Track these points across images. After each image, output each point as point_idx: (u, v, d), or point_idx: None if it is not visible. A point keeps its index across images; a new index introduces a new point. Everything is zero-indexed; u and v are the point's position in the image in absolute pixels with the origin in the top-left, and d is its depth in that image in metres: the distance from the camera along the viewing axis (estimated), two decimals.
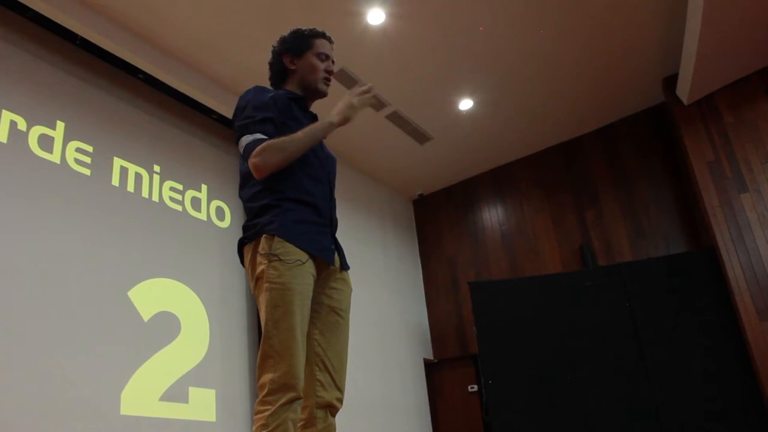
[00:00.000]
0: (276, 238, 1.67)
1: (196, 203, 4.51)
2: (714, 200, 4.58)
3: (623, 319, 4.71)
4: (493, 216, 6.45)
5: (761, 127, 4.53)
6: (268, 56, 2.03)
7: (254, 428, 1.55)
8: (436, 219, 6.89)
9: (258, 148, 1.70)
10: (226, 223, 4.70)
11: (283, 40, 2.00)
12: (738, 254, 4.38)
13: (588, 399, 4.59)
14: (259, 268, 1.67)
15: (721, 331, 4.41)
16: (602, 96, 5.48)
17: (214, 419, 3.99)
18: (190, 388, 3.89)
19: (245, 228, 1.80)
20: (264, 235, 1.69)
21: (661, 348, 4.54)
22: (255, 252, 1.71)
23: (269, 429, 1.51)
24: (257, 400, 1.58)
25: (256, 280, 1.70)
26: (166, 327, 3.91)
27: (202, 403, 3.95)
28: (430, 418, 6.03)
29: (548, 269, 5.78)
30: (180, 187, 4.42)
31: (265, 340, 1.62)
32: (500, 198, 6.45)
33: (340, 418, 1.78)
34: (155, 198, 4.18)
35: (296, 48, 1.97)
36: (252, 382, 4.39)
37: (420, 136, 5.86)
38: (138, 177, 4.11)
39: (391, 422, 5.41)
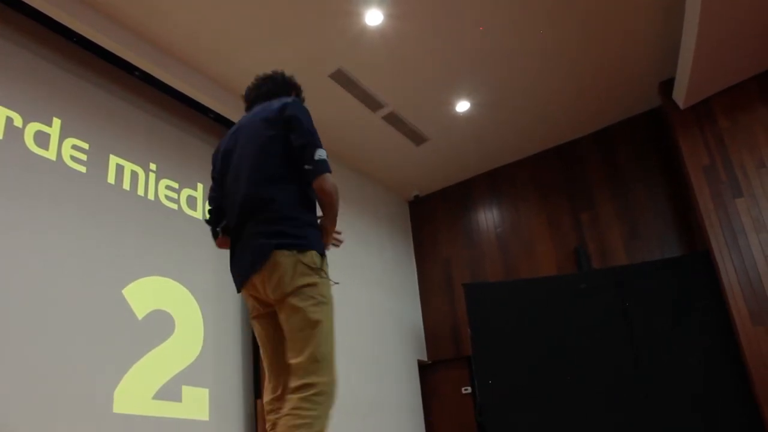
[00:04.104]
0: (324, 259, 1.86)
1: (191, 202, 4.50)
2: (709, 204, 4.60)
3: (618, 322, 4.72)
4: (488, 218, 6.45)
5: (757, 131, 4.54)
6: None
7: (293, 421, 1.59)
8: (432, 220, 6.89)
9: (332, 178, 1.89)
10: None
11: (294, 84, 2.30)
12: (732, 258, 4.39)
13: (582, 401, 4.60)
14: (308, 279, 1.78)
15: (716, 334, 4.43)
16: (599, 99, 5.49)
17: (207, 418, 3.98)
18: (184, 387, 3.89)
19: (283, 233, 1.81)
20: (314, 251, 1.82)
21: (655, 350, 4.54)
22: (299, 261, 1.78)
23: (314, 430, 1.61)
24: (299, 395, 1.64)
25: (296, 288, 1.77)
26: (161, 325, 3.90)
27: (195, 402, 3.94)
28: (423, 420, 6.02)
29: (543, 271, 5.78)
30: (176, 185, 4.41)
31: (315, 346, 1.72)
32: (496, 200, 6.46)
33: (333, 419, 1.78)
34: (151, 196, 4.17)
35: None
36: (245, 382, 4.38)
37: (416, 138, 5.86)
38: (134, 175, 4.10)
39: (384, 423, 5.40)
